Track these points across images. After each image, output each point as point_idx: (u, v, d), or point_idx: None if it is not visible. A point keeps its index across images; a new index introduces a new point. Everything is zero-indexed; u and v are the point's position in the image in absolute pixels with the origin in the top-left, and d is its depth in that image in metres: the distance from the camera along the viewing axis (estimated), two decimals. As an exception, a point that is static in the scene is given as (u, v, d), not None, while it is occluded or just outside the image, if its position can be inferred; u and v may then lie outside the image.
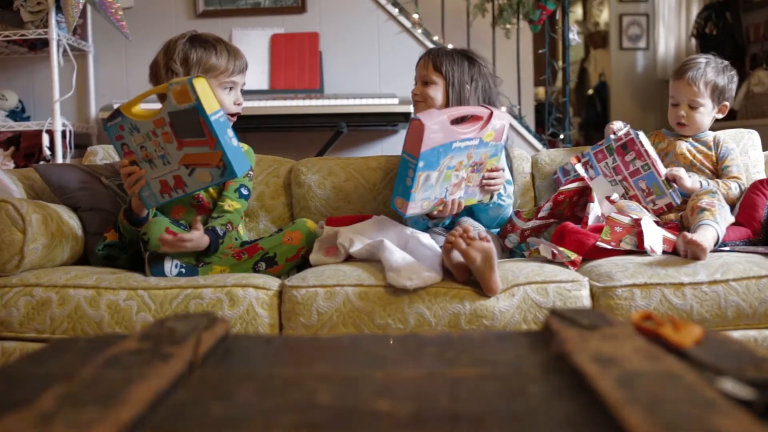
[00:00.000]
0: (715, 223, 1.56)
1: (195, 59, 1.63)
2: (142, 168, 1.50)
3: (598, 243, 1.59)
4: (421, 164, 1.47)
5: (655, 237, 1.58)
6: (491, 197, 1.72)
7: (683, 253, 1.52)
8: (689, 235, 1.49)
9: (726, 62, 1.91)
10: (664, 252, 1.57)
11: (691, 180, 1.78)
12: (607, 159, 1.83)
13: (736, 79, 1.90)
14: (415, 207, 1.55)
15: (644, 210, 1.72)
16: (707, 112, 1.87)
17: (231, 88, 1.69)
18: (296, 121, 2.75)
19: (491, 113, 1.56)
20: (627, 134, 1.80)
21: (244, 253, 1.65)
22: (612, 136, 1.84)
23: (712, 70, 1.84)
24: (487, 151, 1.60)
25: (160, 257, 1.57)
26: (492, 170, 1.64)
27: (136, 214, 1.60)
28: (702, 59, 1.87)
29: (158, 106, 1.51)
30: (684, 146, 1.89)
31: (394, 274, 1.44)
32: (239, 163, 1.46)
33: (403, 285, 1.41)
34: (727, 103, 1.88)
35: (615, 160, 1.82)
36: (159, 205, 1.57)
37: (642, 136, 1.79)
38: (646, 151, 1.77)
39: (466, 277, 1.46)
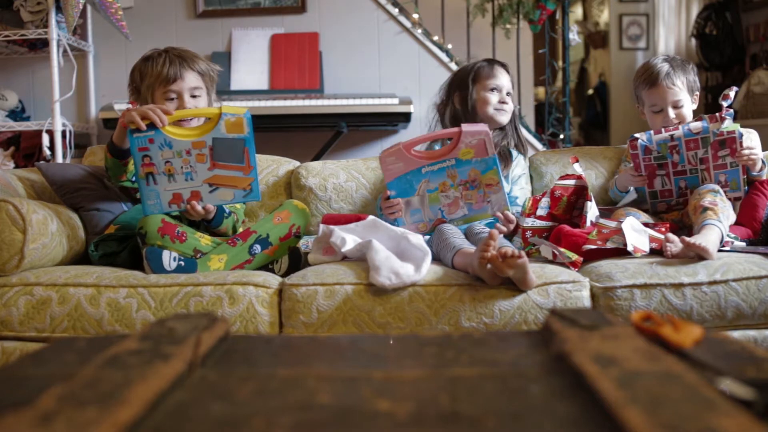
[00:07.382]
0: (719, 222, 1.56)
1: (144, 72, 1.77)
2: (158, 180, 1.54)
3: (585, 246, 1.57)
4: (393, 193, 1.64)
5: (638, 238, 1.57)
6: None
7: (668, 253, 1.51)
8: (689, 240, 1.48)
9: (680, 57, 1.97)
10: (652, 250, 1.57)
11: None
12: (698, 150, 1.77)
13: (695, 69, 1.95)
14: (410, 229, 1.66)
15: (627, 218, 1.68)
16: (689, 106, 1.90)
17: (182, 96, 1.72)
18: (296, 121, 2.75)
19: (460, 132, 1.57)
20: (731, 132, 1.72)
21: (239, 239, 1.67)
22: (714, 130, 1.75)
23: (679, 68, 1.88)
24: (476, 168, 1.61)
25: (158, 251, 1.57)
26: (490, 185, 1.64)
27: (118, 146, 1.65)
28: (664, 63, 1.89)
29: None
30: None
31: (375, 273, 1.45)
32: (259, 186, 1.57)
33: (382, 284, 1.42)
34: (697, 93, 1.94)
35: (707, 152, 1.76)
36: (160, 213, 1.59)
37: (745, 137, 1.74)
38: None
39: (499, 281, 1.45)
